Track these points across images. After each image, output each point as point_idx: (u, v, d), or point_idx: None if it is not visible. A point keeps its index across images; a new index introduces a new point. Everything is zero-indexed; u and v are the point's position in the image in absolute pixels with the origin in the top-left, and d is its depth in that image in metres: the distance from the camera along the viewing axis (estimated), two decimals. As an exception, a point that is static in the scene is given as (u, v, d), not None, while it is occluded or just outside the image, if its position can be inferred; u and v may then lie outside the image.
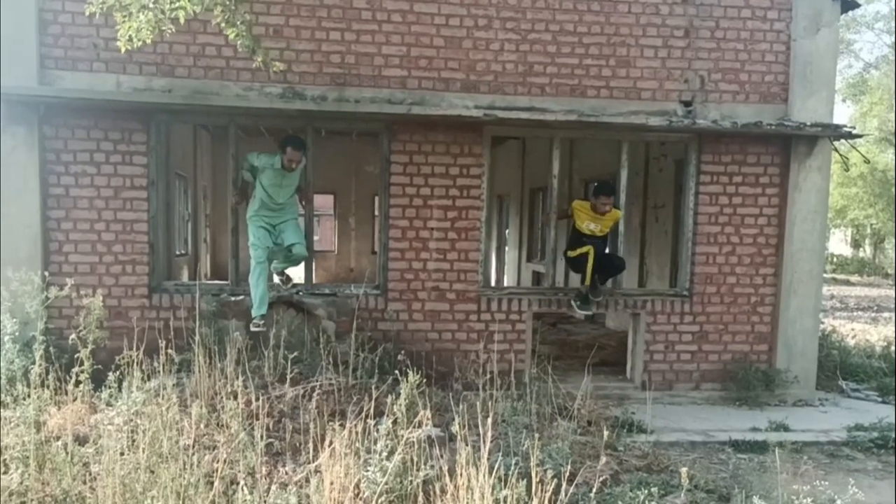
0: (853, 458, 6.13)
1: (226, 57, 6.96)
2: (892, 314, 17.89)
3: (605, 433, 4.34)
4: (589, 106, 7.29)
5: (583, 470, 4.87)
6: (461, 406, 5.77)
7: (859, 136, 7.61)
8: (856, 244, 40.26)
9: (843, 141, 7.72)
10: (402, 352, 7.01)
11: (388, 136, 7.27)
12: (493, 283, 16.72)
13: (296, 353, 5.95)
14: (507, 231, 17.49)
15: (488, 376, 5.88)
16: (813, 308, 7.70)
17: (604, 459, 4.18)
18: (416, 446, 4.30)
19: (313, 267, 8.34)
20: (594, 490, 4.21)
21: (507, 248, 17.53)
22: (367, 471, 4.09)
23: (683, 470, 3.72)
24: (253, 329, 6.69)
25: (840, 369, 8.73)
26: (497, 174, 17.75)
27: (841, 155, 7.81)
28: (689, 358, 7.70)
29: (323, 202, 18.64)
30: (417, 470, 4.25)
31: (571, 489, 4.04)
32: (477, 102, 7.18)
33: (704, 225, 7.60)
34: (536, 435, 5.56)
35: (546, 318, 11.88)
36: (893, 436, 6.37)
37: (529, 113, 7.12)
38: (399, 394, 4.96)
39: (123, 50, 5.52)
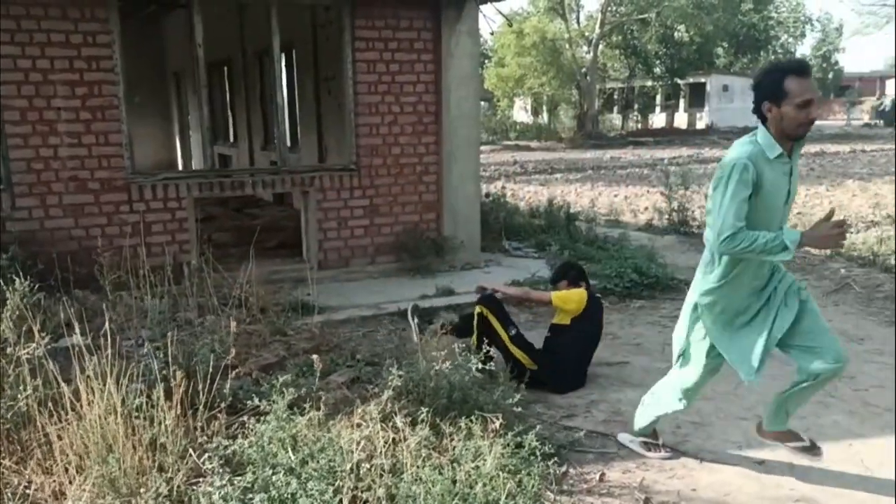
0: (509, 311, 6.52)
1: None
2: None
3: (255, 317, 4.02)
4: (229, -37, 6.54)
5: (248, 361, 4.64)
6: (115, 308, 5.22)
7: (502, 0, 7.77)
8: (535, 112, 43.95)
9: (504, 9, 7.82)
10: (40, 255, 6.14)
11: (-19, -3, 5.95)
12: (180, 169, 15.57)
13: None
14: (188, 113, 16.17)
15: (144, 272, 5.32)
16: (473, 173, 7.93)
17: (233, 347, 3.86)
18: (28, 364, 3.69)
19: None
20: (254, 378, 4.00)
21: (190, 132, 16.27)
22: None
23: (315, 357, 3.59)
24: None
25: (505, 230, 9.28)
26: (171, 48, 16.21)
27: (487, 18, 7.95)
28: (363, 233, 7.63)
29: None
30: (34, 390, 3.65)
31: (228, 383, 3.78)
32: (91, -46, 6.07)
33: (365, 95, 7.32)
34: (198, 330, 5.22)
35: (231, 203, 11.23)
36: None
37: (158, -31, 6.21)
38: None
39: None
